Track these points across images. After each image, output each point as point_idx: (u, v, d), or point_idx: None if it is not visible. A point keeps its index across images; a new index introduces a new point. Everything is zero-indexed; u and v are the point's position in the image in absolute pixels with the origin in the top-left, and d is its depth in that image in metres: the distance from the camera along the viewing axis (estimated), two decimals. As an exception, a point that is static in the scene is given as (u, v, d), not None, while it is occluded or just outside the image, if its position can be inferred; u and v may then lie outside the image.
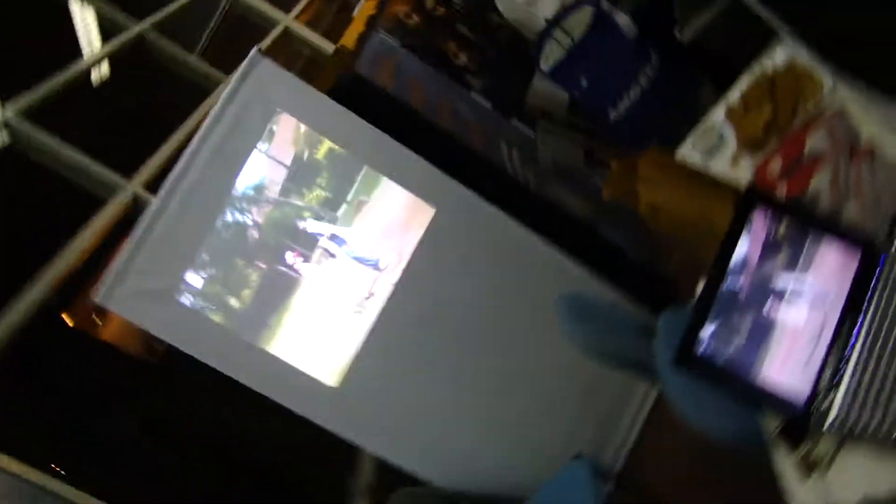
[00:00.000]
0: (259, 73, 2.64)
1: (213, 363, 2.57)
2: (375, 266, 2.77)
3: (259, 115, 2.64)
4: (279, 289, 2.70)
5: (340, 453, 2.90)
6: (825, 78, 1.91)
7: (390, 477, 2.79)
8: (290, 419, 2.64)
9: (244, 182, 2.67)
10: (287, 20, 4.80)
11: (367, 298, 2.76)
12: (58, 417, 3.26)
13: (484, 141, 3.17)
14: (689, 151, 2.12)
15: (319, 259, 2.72)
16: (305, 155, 2.72)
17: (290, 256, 2.70)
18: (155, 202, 2.59)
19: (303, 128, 2.71)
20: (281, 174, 2.69)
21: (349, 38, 3.99)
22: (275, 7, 4.82)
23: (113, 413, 3.51)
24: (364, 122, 2.74)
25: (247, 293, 2.69)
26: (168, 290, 2.59)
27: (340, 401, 2.71)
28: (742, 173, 2.01)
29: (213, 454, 3.58)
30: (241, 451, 3.59)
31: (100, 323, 6.07)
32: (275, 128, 2.68)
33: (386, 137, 2.75)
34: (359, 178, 2.76)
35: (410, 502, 2.67)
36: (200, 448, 3.59)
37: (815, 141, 1.86)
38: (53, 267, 2.78)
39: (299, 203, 2.71)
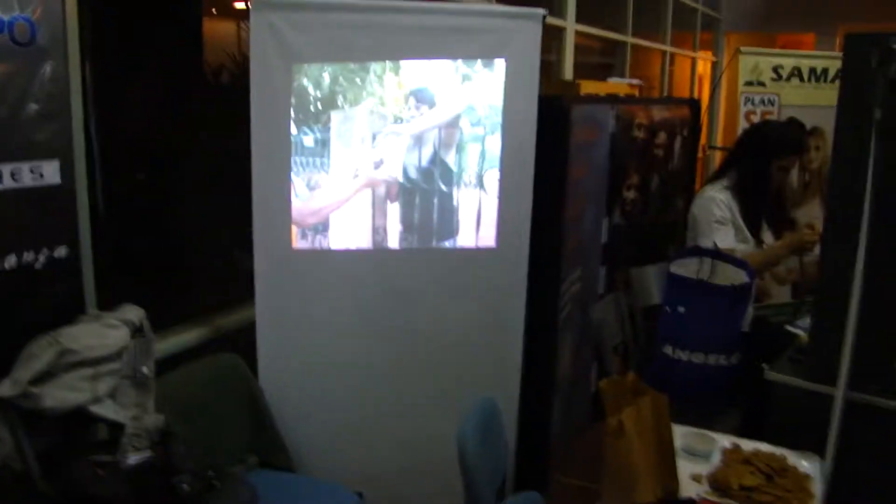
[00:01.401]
0: (528, 25, 2.76)
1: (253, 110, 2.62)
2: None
3: (496, 44, 2.77)
4: (344, 137, 2.73)
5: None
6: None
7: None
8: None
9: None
10: (570, 24, 4.89)
11: (383, 235, 2.79)
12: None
13: (571, 251, 3.21)
14: (676, 438, 2.18)
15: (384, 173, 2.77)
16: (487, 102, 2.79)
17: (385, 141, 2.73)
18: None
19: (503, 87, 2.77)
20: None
21: (589, 87, 4.08)
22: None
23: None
24: (533, 136, 2.80)
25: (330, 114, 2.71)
26: (290, 55, 2.63)
27: (282, 262, 2.74)
28: (694, 487, 2.10)
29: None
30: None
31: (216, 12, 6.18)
32: (494, 62, 2.77)
33: (531, 164, 2.81)
34: (485, 157, 2.81)
35: (221, 368, 2.66)
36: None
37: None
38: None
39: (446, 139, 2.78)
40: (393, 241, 2.81)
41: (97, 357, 1.98)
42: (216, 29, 6.35)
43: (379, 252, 2.81)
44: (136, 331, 2.13)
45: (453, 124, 2.77)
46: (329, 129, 2.69)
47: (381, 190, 2.77)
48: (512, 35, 2.75)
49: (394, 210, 2.79)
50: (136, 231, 3.84)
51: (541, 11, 2.76)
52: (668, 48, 6.86)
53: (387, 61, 2.70)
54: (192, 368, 2.60)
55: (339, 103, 2.69)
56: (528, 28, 2.75)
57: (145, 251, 3.90)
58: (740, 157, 3.31)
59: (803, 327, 2.91)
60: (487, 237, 2.85)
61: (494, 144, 2.79)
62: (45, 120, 2.02)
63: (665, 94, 6.99)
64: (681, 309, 2.84)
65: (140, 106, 4.01)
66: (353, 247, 2.79)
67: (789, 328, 3.02)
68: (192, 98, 4.34)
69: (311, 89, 2.67)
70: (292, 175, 2.70)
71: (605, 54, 6.72)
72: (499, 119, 2.77)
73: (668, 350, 2.86)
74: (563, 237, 3.09)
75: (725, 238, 3.09)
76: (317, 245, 2.76)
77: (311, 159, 2.71)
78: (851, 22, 7.20)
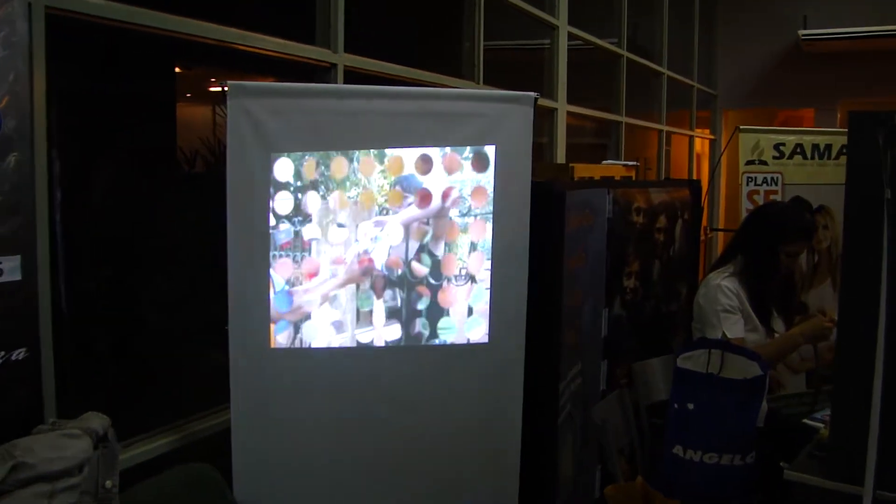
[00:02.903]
0: (519, 109, 2.79)
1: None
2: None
3: (486, 130, 2.78)
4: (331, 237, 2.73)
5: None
6: None
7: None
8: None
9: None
10: (561, 105, 4.99)
11: (368, 330, 2.76)
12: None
13: (569, 345, 3.19)
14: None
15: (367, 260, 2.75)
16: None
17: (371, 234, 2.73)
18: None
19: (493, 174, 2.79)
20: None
21: (583, 170, 4.12)
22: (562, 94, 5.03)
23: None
24: (527, 224, 2.81)
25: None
26: (268, 143, 2.64)
27: (259, 362, 2.69)
28: None
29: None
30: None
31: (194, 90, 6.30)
32: (484, 150, 2.78)
33: (525, 253, 2.80)
34: (476, 247, 2.81)
35: (192, 479, 2.59)
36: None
37: None
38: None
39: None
40: (378, 338, 2.78)
41: (55, 471, 1.92)
42: (191, 114, 6.46)
43: (363, 350, 2.77)
44: (100, 440, 2.07)
45: (442, 214, 2.77)
46: (310, 220, 2.69)
47: (366, 284, 2.75)
48: (503, 120, 2.78)
49: (379, 305, 2.77)
50: (103, 330, 3.82)
51: (532, 94, 2.80)
52: (664, 127, 7.00)
53: (371, 150, 2.72)
54: (161, 480, 2.52)
55: (321, 193, 2.69)
56: (519, 112, 2.79)
57: (112, 351, 3.87)
58: (746, 242, 3.33)
59: (823, 420, 2.88)
60: (479, 332, 2.83)
61: (485, 234, 2.80)
62: (8, 213, 2.00)
63: (663, 175, 7.09)
64: (690, 406, 2.81)
65: (109, 196, 4.04)
66: (335, 344, 2.75)
67: (807, 421, 2.99)
68: (164, 187, 4.38)
69: (291, 179, 2.68)
70: (271, 270, 2.68)
71: (599, 135, 6.86)
72: (490, 207, 2.79)
73: (678, 450, 2.82)
74: (561, 331, 3.07)
75: (734, 328, 3.09)
76: (296, 343, 2.73)
77: (290, 253, 2.69)
78: (851, 96, 7.42)
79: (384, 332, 2.78)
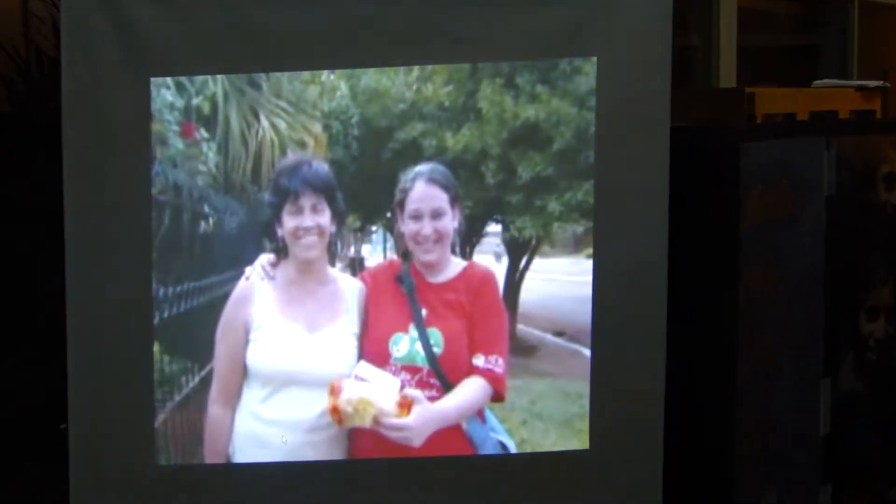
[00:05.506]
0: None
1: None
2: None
3: (580, 20, 2.81)
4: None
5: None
6: None
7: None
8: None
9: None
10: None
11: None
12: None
13: (753, 452, 3.17)
14: None
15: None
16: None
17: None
18: None
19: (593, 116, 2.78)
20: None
21: (772, 100, 4.09)
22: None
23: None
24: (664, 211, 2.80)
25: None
26: (147, 59, 2.67)
27: (135, 495, 2.76)
28: None
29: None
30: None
31: None
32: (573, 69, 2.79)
33: (662, 269, 2.81)
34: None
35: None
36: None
37: None
38: None
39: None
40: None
41: None
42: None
43: (343, 466, 2.82)
44: None
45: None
46: (240, 196, 2.73)
47: (342, 332, 2.76)
48: (611, 6, 2.78)
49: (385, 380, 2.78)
50: None
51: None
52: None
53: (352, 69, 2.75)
54: None
55: (263, 151, 2.72)
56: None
57: None
58: None
59: None
60: (573, 432, 2.85)
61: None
62: None
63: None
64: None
65: None
66: (289, 457, 2.78)
67: None
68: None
69: (193, 125, 2.70)
70: (157, 310, 2.70)
71: (803, 30, 6.82)
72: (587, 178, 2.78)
73: None
74: (734, 423, 3.07)
75: None
76: (211, 457, 2.75)
77: (192, 263, 2.73)
78: None
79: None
